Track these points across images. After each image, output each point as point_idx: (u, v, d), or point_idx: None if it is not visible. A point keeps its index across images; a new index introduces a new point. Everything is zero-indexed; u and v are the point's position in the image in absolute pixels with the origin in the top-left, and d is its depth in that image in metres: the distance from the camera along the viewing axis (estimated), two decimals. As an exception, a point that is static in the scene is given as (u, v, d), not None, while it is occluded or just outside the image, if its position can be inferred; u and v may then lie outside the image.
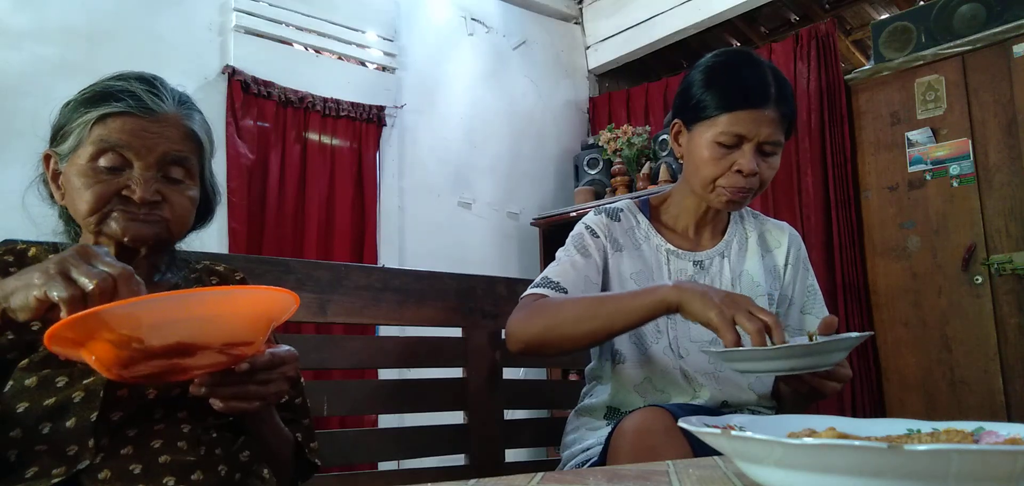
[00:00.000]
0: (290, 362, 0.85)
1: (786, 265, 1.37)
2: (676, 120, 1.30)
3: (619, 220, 1.34)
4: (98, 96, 0.90)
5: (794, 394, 1.22)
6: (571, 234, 1.34)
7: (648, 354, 1.26)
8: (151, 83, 0.94)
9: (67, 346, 0.70)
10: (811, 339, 1.03)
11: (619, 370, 1.29)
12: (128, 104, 0.89)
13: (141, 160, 0.89)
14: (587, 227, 1.33)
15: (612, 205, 1.37)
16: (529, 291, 1.26)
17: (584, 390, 1.40)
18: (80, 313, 0.66)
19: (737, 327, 0.98)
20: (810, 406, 1.29)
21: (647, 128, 3.80)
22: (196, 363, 0.74)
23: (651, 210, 1.37)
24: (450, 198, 3.64)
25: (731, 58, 1.25)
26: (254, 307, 0.76)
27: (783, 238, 1.39)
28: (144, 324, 0.68)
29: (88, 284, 0.69)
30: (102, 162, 0.89)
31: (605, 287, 1.30)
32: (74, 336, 0.68)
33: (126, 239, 0.89)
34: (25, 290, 0.70)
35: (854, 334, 0.99)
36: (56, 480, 0.79)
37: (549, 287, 1.24)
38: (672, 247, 1.32)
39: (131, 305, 0.68)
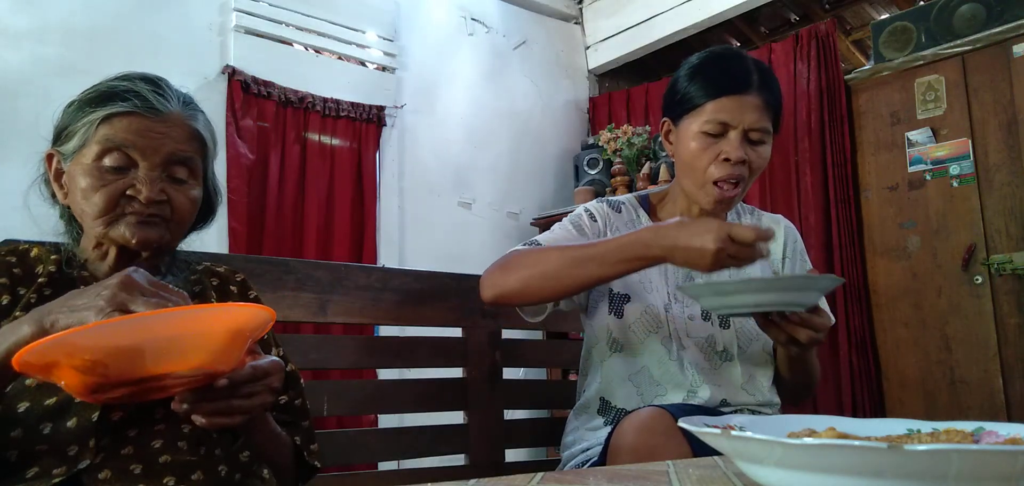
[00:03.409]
0: (274, 373, 0.84)
1: (784, 257, 1.38)
2: (665, 118, 1.32)
3: (620, 212, 1.35)
4: (103, 96, 0.90)
5: (783, 355, 1.25)
6: (571, 214, 1.36)
7: (646, 343, 1.27)
8: (156, 83, 0.94)
9: (38, 372, 0.69)
10: None
11: (614, 357, 1.29)
12: (134, 104, 0.89)
13: (147, 160, 0.90)
14: (587, 210, 1.35)
15: (615, 199, 1.38)
16: (514, 249, 1.27)
17: (579, 382, 1.41)
18: (41, 340, 0.66)
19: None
20: (802, 378, 1.29)
21: (647, 128, 3.80)
22: (172, 381, 0.74)
23: (650, 206, 1.38)
24: (450, 198, 3.64)
25: (714, 51, 1.27)
26: (222, 324, 0.74)
27: (779, 231, 1.40)
28: (107, 348, 0.67)
29: (140, 308, 0.71)
30: (107, 161, 0.89)
31: None
32: (39, 362, 0.68)
33: (134, 242, 0.89)
34: (69, 314, 0.72)
35: (824, 275, 1.00)
36: (57, 480, 0.79)
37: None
38: None
39: (88, 331, 0.68)
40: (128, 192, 0.89)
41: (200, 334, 0.72)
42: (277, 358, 0.86)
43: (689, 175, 1.25)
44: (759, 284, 0.99)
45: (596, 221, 1.32)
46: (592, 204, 1.36)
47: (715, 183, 1.21)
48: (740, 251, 1.00)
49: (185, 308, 0.75)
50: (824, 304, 1.35)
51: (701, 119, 1.21)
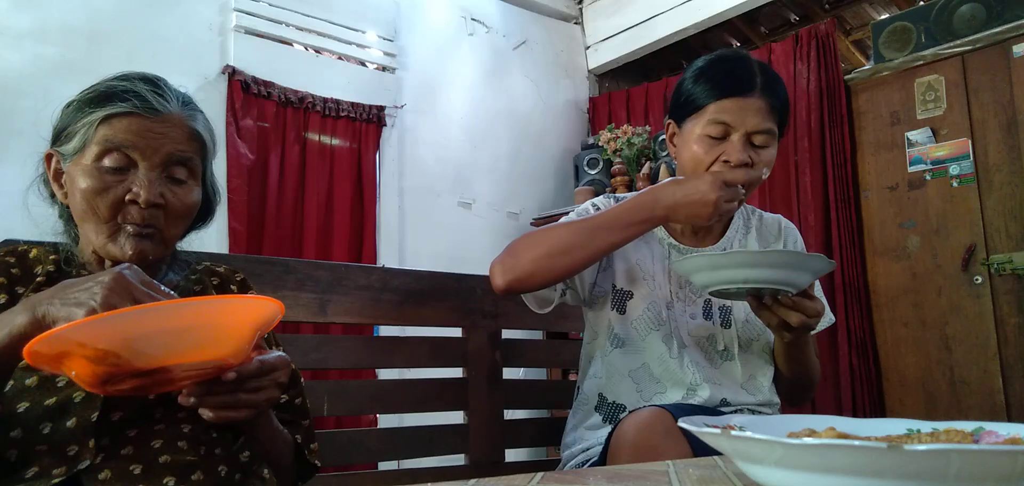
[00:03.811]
0: (281, 368, 0.84)
1: None
2: (669, 121, 1.32)
3: None
4: (103, 96, 0.90)
5: (780, 347, 1.26)
6: (578, 207, 1.36)
7: (648, 340, 1.27)
8: (155, 83, 0.94)
9: (47, 363, 0.69)
10: None
11: (615, 353, 1.29)
12: (133, 104, 0.89)
13: (146, 160, 0.90)
14: (594, 205, 1.35)
15: (622, 195, 1.38)
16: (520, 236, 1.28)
17: (578, 378, 1.41)
18: (54, 329, 0.66)
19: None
20: (801, 373, 1.29)
21: (647, 128, 3.80)
22: (180, 374, 0.74)
23: None
24: (450, 198, 3.64)
25: (719, 54, 1.28)
26: (234, 316, 0.74)
27: (780, 231, 1.40)
28: (120, 338, 0.67)
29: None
30: (107, 162, 0.89)
31: (609, 266, 1.32)
32: (50, 352, 0.67)
33: (128, 259, 0.89)
34: (59, 307, 0.71)
35: (816, 255, 1.02)
36: (56, 480, 0.79)
37: None
38: (674, 242, 1.33)
39: (102, 320, 0.67)
40: (127, 197, 0.89)
41: (214, 325, 0.72)
42: (283, 354, 0.86)
43: None
44: (751, 257, 1.01)
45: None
46: (599, 199, 1.37)
47: None
48: (733, 193, 1.13)
49: (200, 299, 0.75)
50: (823, 301, 1.36)
51: (703, 121, 1.20)
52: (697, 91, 1.22)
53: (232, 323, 0.74)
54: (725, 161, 1.19)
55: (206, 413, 0.79)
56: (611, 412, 1.27)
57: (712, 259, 1.02)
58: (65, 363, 0.69)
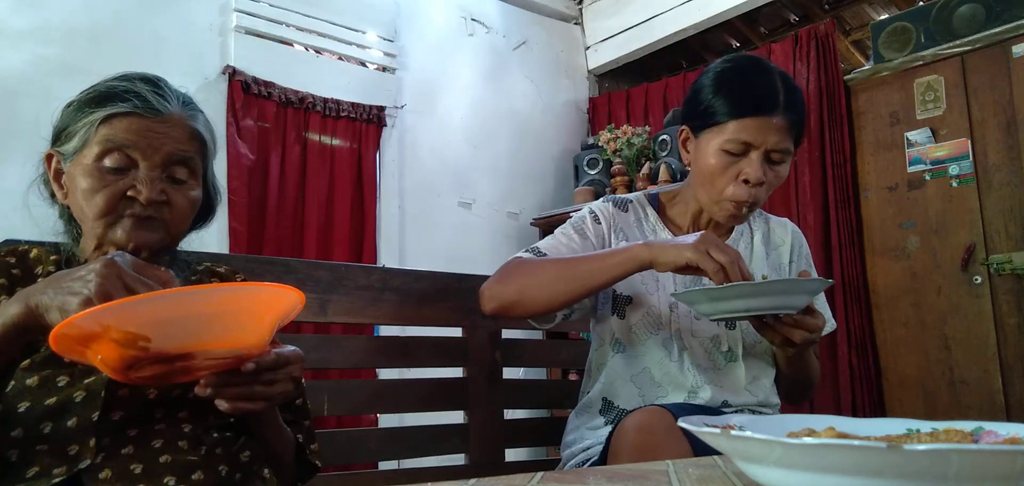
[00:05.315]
0: (296, 362, 0.84)
1: (790, 262, 1.38)
2: (684, 126, 1.29)
3: (627, 211, 1.35)
4: (103, 96, 0.91)
5: (782, 357, 1.26)
6: (574, 215, 1.35)
7: (648, 344, 1.27)
8: (156, 83, 0.94)
9: (72, 346, 0.69)
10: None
11: (617, 358, 1.29)
12: (134, 104, 0.90)
13: (147, 160, 0.90)
14: (591, 211, 1.34)
15: (622, 197, 1.37)
16: (515, 256, 1.28)
17: (583, 383, 1.41)
18: (88, 310, 0.67)
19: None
20: (801, 374, 1.29)
21: (647, 128, 3.80)
22: (201, 363, 0.74)
23: (659, 205, 1.38)
24: (450, 198, 3.64)
25: (740, 64, 1.23)
26: (262, 304, 0.75)
27: (786, 235, 1.40)
28: (151, 321, 0.68)
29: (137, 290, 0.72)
30: (107, 162, 0.89)
31: None
32: (79, 336, 0.68)
33: (131, 246, 0.89)
34: (53, 296, 0.72)
35: (811, 279, 1.03)
36: (57, 480, 0.79)
37: (534, 255, 1.27)
38: None
39: (137, 302, 0.68)
40: (128, 193, 0.89)
41: (243, 312, 0.73)
42: (297, 349, 0.86)
43: (706, 189, 1.23)
44: (749, 289, 1.02)
45: (600, 223, 1.32)
46: (597, 204, 1.36)
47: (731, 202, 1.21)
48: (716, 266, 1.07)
49: (230, 284, 0.78)
50: (826, 310, 1.36)
51: (723, 137, 1.18)
52: (717, 105, 1.19)
53: (258, 311, 0.75)
54: (744, 180, 1.18)
55: (222, 404, 0.79)
56: (615, 416, 1.27)
57: (710, 292, 1.03)
58: (92, 347, 0.69)
